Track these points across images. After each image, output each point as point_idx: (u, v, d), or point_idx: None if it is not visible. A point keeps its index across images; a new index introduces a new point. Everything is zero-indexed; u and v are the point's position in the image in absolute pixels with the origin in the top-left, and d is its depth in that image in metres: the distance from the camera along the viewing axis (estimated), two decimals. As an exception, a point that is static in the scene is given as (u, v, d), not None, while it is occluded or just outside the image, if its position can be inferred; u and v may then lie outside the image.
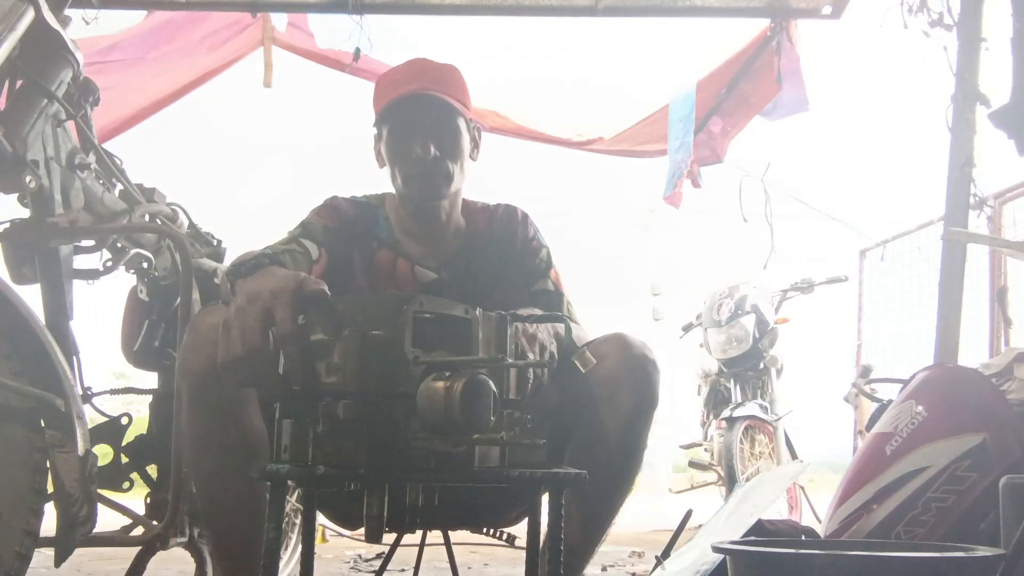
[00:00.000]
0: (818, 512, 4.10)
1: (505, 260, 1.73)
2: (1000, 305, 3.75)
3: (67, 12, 1.85)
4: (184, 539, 1.88)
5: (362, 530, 1.12)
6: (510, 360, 1.15)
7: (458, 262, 1.71)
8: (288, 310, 1.09)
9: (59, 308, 1.80)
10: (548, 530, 1.16)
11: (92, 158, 1.86)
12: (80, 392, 1.75)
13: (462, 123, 1.64)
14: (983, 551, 1.19)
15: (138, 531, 1.86)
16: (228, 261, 2.24)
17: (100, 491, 1.69)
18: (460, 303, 1.14)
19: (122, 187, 1.98)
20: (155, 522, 1.85)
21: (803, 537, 1.81)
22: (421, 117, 1.59)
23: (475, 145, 1.72)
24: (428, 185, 1.63)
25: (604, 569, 3.12)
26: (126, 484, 1.91)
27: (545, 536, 1.17)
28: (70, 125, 1.82)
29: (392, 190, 1.72)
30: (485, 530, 1.59)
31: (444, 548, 1.73)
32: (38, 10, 1.68)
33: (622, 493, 1.54)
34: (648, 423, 1.50)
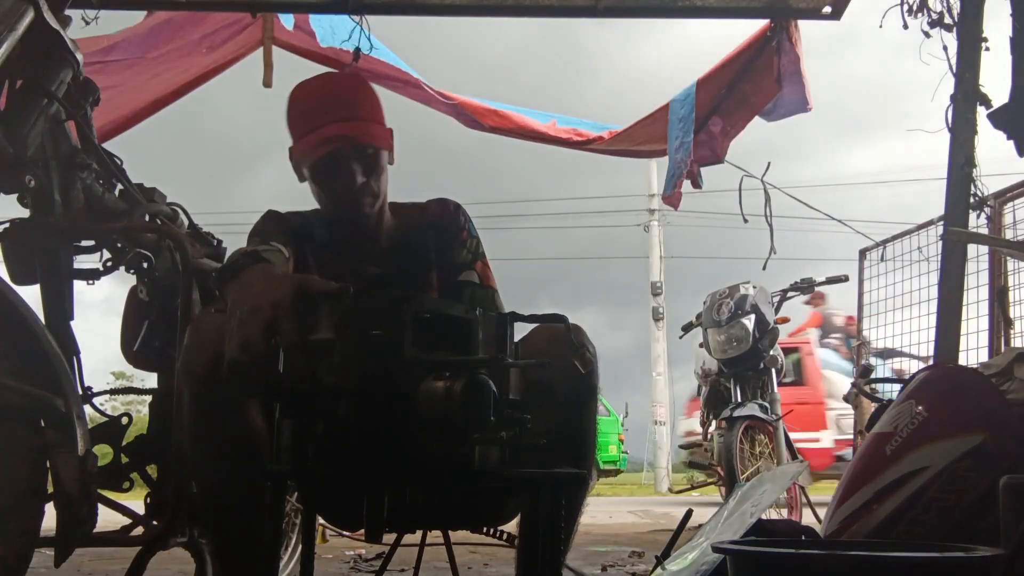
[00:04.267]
0: (818, 512, 4.10)
1: (440, 247, 1.79)
2: (1000, 305, 3.75)
3: (67, 12, 1.86)
4: (184, 539, 1.88)
5: (362, 530, 1.12)
6: (510, 360, 1.15)
7: (397, 254, 1.76)
8: (291, 319, 1.10)
9: (59, 308, 1.80)
10: (546, 529, 1.15)
11: (92, 158, 1.86)
12: (80, 392, 1.75)
13: (380, 143, 1.69)
14: (983, 551, 1.19)
15: (138, 531, 1.86)
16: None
17: (100, 491, 1.69)
18: (456, 303, 1.14)
19: (122, 187, 1.98)
20: (155, 522, 1.85)
21: (803, 537, 1.81)
22: (343, 150, 1.65)
23: (390, 150, 1.76)
24: (358, 206, 1.69)
25: (604, 569, 3.12)
26: (126, 484, 1.91)
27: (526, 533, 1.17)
28: (70, 125, 1.82)
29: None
30: (485, 530, 1.60)
31: (444, 548, 1.74)
32: (38, 10, 1.68)
33: (583, 483, 1.55)
34: (593, 408, 1.51)
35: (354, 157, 1.66)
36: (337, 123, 1.64)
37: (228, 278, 1.31)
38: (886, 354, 9.31)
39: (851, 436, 8.53)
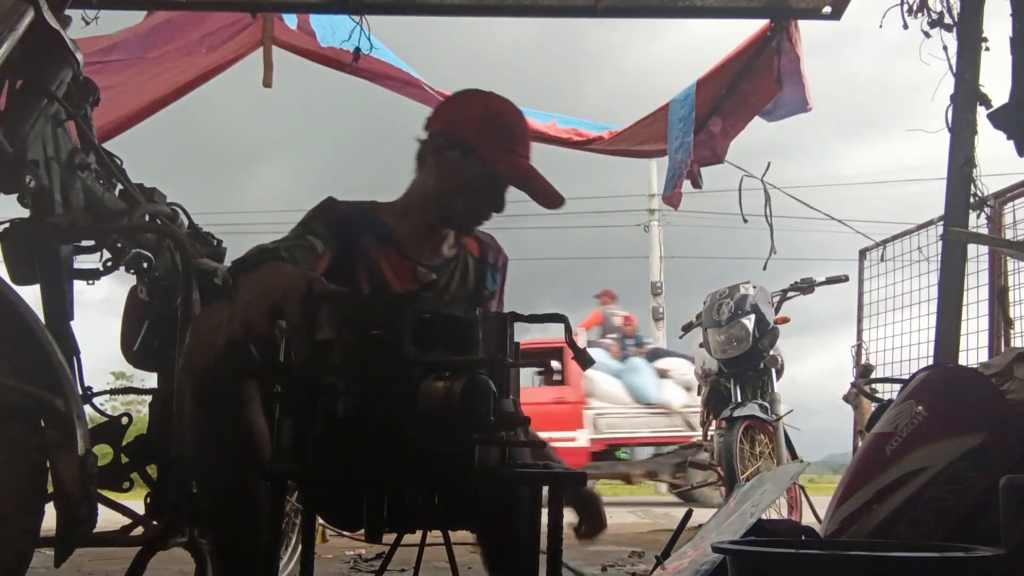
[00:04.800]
0: (818, 512, 4.10)
1: (482, 287, 1.82)
2: (1000, 305, 3.75)
3: (67, 12, 1.85)
4: (184, 539, 1.88)
5: (362, 530, 1.12)
6: (510, 360, 1.15)
7: (453, 269, 1.79)
8: (298, 306, 1.10)
9: (59, 308, 1.80)
10: (548, 529, 1.16)
11: (92, 158, 1.86)
12: (80, 392, 1.75)
13: None
14: (983, 551, 1.19)
15: (138, 531, 1.86)
16: (228, 261, 2.24)
17: (100, 491, 1.69)
18: (460, 303, 1.14)
19: (122, 187, 1.98)
20: (155, 522, 1.84)
21: (803, 537, 1.81)
22: (514, 184, 1.70)
23: None
24: (473, 227, 1.76)
25: (604, 569, 3.13)
26: (126, 484, 1.91)
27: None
28: (70, 125, 1.82)
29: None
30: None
31: (444, 548, 1.73)
32: (38, 10, 1.68)
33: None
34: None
35: (509, 191, 1.72)
36: (528, 159, 1.71)
37: (245, 270, 1.32)
38: (653, 355, 9.36)
39: (608, 435, 8.69)
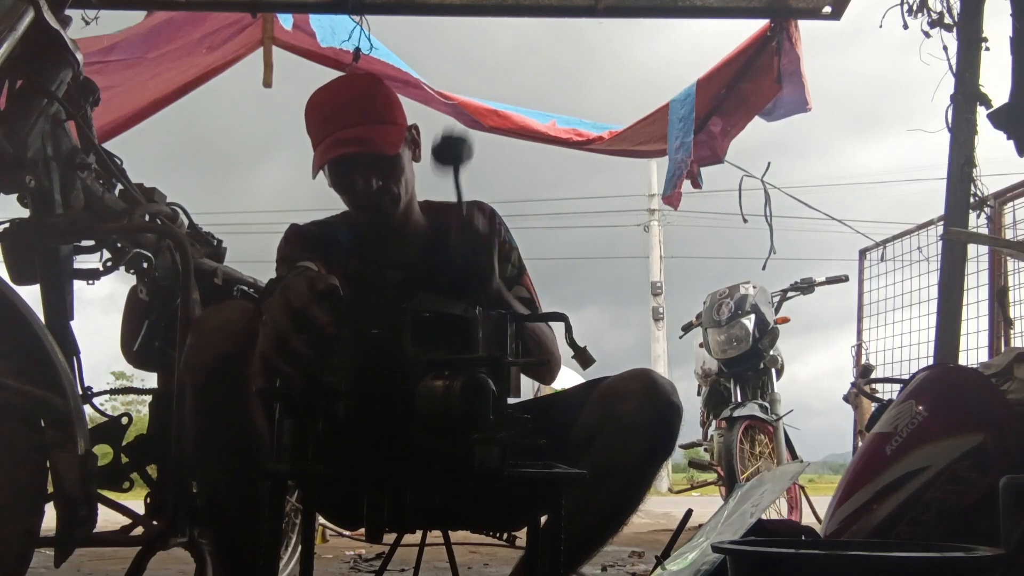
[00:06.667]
0: (818, 512, 4.10)
1: (475, 253, 1.73)
2: (1000, 305, 3.75)
3: (67, 12, 1.85)
4: (184, 539, 1.88)
5: (362, 530, 1.12)
6: (510, 359, 1.15)
7: (426, 260, 1.74)
8: (302, 292, 1.06)
9: (59, 308, 1.80)
10: (548, 530, 1.15)
11: (92, 158, 1.86)
12: (80, 392, 1.75)
13: (394, 145, 1.66)
14: (983, 551, 1.19)
15: (138, 531, 1.86)
16: (228, 261, 2.24)
17: (100, 491, 1.69)
18: (459, 302, 1.14)
19: (122, 187, 1.98)
20: (155, 522, 1.84)
21: (803, 537, 1.81)
22: (354, 156, 1.62)
23: (416, 146, 1.74)
24: (377, 211, 1.67)
25: (604, 569, 3.13)
26: (126, 484, 1.91)
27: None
28: (70, 125, 1.82)
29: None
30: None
31: (444, 548, 1.74)
32: (38, 10, 1.68)
33: (615, 527, 1.56)
34: (659, 468, 1.52)
35: (367, 161, 1.63)
36: (347, 128, 1.62)
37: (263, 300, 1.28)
38: None
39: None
